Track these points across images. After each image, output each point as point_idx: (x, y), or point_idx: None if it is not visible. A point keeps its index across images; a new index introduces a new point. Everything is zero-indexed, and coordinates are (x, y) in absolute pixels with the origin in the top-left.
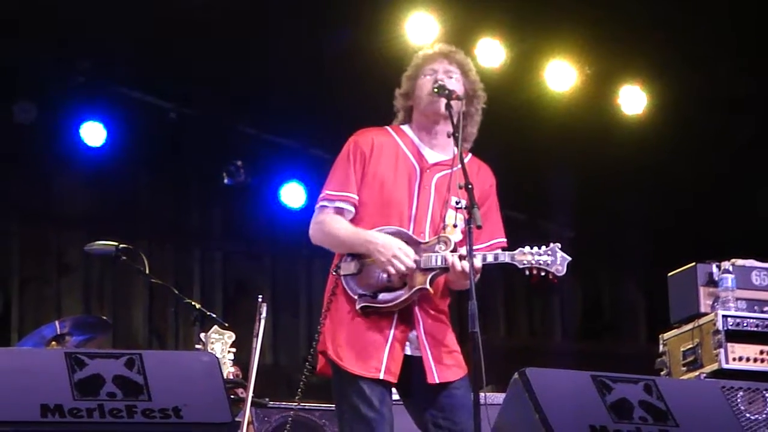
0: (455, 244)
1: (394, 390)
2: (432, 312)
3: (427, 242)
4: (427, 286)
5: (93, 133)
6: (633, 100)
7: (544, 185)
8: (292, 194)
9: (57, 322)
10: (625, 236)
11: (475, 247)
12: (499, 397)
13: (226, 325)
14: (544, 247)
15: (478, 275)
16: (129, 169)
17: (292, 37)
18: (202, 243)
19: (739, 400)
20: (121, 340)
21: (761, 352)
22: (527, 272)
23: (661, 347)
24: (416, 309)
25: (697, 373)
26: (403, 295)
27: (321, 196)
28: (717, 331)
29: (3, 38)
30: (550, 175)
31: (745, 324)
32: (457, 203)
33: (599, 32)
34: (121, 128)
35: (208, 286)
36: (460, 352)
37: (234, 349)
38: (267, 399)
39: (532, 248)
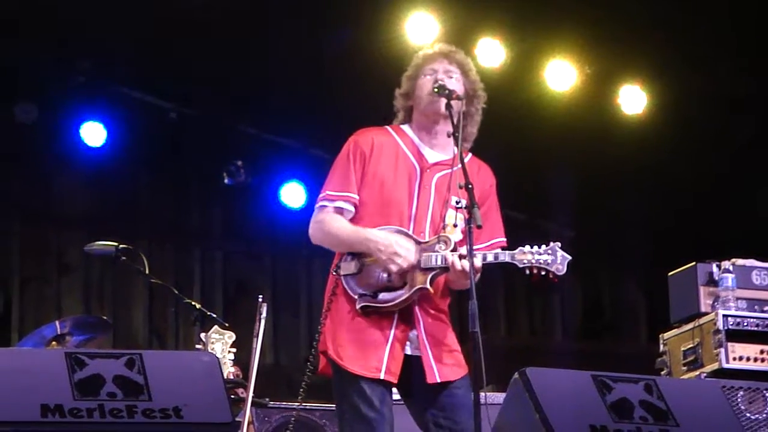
0: (455, 243)
1: (394, 390)
2: (432, 311)
3: (427, 242)
4: (428, 286)
5: (93, 133)
6: (633, 99)
7: (544, 185)
8: (293, 194)
9: (57, 322)
10: (625, 236)
11: (475, 247)
12: (499, 397)
13: (227, 325)
14: (544, 247)
15: (478, 275)
16: (129, 169)
17: (292, 37)
18: (203, 243)
19: (739, 400)
20: (122, 340)
21: (761, 352)
22: (527, 271)
23: (661, 347)
24: (416, 309)
25: (697, 373)
26: (403, 294)
27: (321, 195)
28: (717, 331)
29: (3, 38)
30: (550, 174)
31: (745, 324)
32: (457, 203)
33: (599, 32)
34: (121, 128)
35: (208, 286)
36: (460, 352)
37: (234, 349)
38: (267, 399)
39: (532, 247)
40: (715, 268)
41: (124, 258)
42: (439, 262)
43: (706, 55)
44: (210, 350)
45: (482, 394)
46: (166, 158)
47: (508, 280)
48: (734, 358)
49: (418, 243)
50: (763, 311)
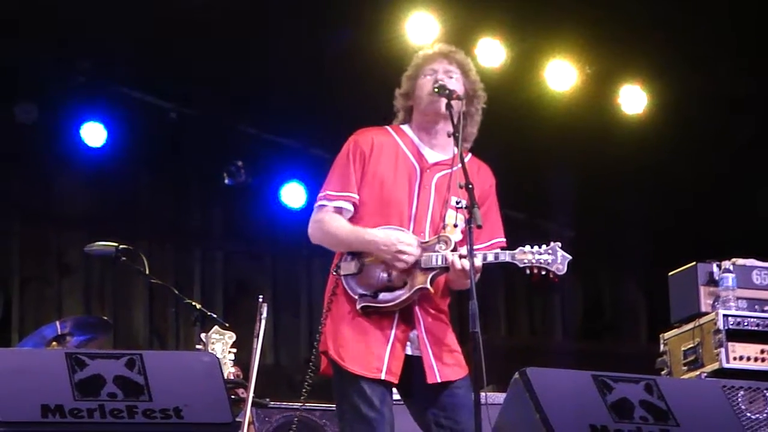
0: (455, 243)
1: (394, 390)
2: (432, 311)
3: (427, 242)
4: (428, 286)
5: (93, 134)
6: (633, 99)
7: (544, 185)
8: (293, 194)
9: (58, 323)
10: (625, 236)
11: (475, 247)
12: (499, 397)
13: (227, 325)
14: (544, 246)
15: (478, 275)
16: (129, 169)
17: (292, 37)
18: (203, 243)
19: (739, 400)
20: (122, 340)
21: (762, 351)
22: (528, 271)
23: (661, 347)
24: (417, 309)
25: (697, 373)
26: (403, 294)
27: (321, 195)
28: (718, 331)
29: (3, 38)
30: (550, 174)
31: (745, 323)
32: (457, 203)
33: (599, 32)
34: (121, 129)
35: (208, 287)
36: (460, 352)
37: (234, 350)
38: (268, 399)
39: (532, 247)
40: (715, 268)
41: (124, 258)
42: (439, 262)
43: (707, 55)
44: (210, 350)
45: (483, 394)
46: (167, 158)
47: (509, 280)
48: (734, 358)
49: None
50: (763, 311)
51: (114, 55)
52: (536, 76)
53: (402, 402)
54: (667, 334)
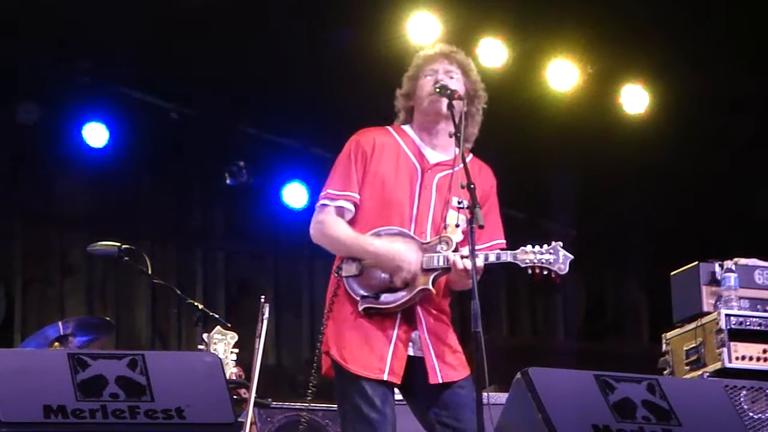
0: (456, 244)
1: (396, 390)
2: (434, 312)
3: (429, 242)
4: (430, 287)
5: (95, 134)
6: (635, 99)
7: (545, 185)
8: (294, 194)
9: (60, 323)
10: (627, 236)
11: (476, 248)
12: (501, 397)
13: (229, 325)
14: (546, 246)
15: (480, 275)
16: (131, 169)
17: (292, 37)
18: (205, 243)
19: (742, 399)
20: (124, 340)
21: (764, 351)
22: (530, 271)
23: (664, 346)
24: (419, 309)
25: (700, 373)
26: (405, 296)
27: (322, 194)
28: (720, 330)
29: (3, 38)
30: (551, 174)
31: (748, 323)
32: (458, 203)
33: (601, 32)
34: (123, 129)
35: (210, 287)
36: (462, 352)
37: (237, 350)
38: (270, 399)
39: (534, 247)
40: (717, 268)
41: (126, 258)
42: (441, 263)
43: (707, 55)
44: (212, 351)
45: (485, 394)
46: (168, 159)
47: (511, 280)
48: (737, 358)
49: (419, 244)
50: (765, 311)
51: (114, 55)
52: (538, 75)
53: (404, 402)
54: (669, 334)
